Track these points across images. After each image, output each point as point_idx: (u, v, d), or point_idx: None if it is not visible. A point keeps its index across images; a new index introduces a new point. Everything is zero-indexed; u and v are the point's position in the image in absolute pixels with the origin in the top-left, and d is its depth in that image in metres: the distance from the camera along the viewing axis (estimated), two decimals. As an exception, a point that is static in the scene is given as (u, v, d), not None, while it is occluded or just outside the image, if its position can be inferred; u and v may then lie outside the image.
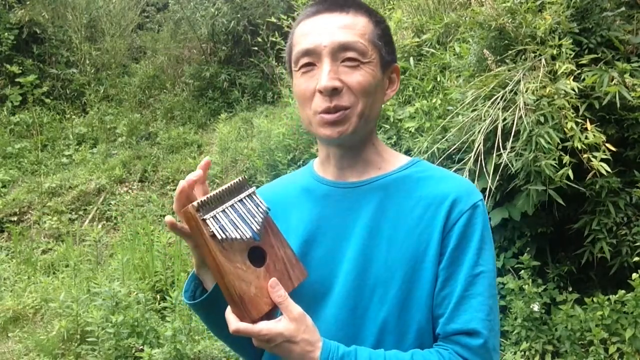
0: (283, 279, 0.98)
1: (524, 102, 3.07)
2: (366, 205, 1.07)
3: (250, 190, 1.01)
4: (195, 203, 0.93)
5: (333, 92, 1.00)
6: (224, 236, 0.93)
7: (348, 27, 1.02)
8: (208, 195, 0.95)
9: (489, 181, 3.11)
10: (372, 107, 1.05)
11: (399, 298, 1.02)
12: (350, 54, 1.01)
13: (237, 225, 0.96)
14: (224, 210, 0.95)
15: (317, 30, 1.03)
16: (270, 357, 1.10)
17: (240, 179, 1.00)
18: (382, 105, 1.13)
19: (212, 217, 0.93)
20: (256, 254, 0.98)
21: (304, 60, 1.03)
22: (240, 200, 0.98)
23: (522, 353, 3.10)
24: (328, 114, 1.02)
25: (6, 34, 8.01)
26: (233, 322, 0.94)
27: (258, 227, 0.98)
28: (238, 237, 0.95)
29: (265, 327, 0.92)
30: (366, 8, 1.07)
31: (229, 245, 0.94)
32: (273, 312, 0.97)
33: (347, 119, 1.02)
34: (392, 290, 1.02)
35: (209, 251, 0.93)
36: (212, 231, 0.92)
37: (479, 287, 1.01)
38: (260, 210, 1.00)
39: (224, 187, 0.97)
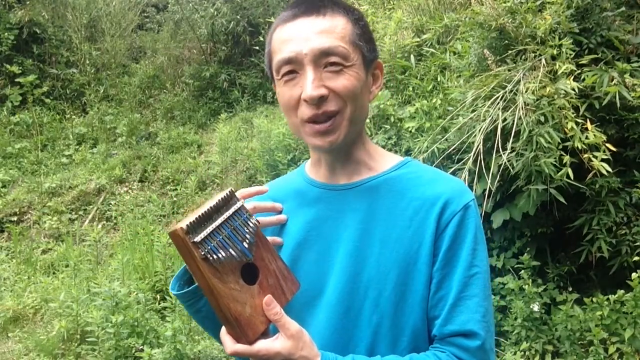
0: (277, 293, 0.97)
1: (524, 102, 3.06)
2: (357, 207, 1.07)
3: (239, 204, 0.98)
4: (184, 225, 0.89)
5: (320, 100, 0.99)
6: (216, 258, 0.91)
7: (327, 32, 1.00)
8: (196, 215, 0.91)
9: (489, 182, 3.11)
10: (360, 109, 1.04)
11: (393, 300, 1.01)
12: (332, 59, 0.99)
13: (228, 245, 0.93)
14: (214, 231, 0.92)
15: (296, 38, 1.00)
16: None
17: (228, 193, 0.97)
18: (370, 104, 1.12)
19: (202, 239, 0.90)
20: (248, 270, 0.96)
21: (286, 68, 1.02)
22: (230, 217, 0.95)
23: (522, 353, 3.10)
24: (317, 123, 1.01)
25: (6, 34, 8.00)
26: (230, 344, 0.93)
27: (249, 244, 0.96)
28: (231, 257, 0.93)
29: (263, 347, 0.91)
30: (343, 6, 1.05)
31: (221, 266, 0.91)
32: (268, 328, 0.96)
33: (337, 127, 1.01)
34: (385, 292, 1.01)
35: (201, 274, 0.90)
36: (204, 254, 0.90)
37: (474, 288, 1.00)
38: (250, 225, 0.98)
39: (211, 203, 0.94)
